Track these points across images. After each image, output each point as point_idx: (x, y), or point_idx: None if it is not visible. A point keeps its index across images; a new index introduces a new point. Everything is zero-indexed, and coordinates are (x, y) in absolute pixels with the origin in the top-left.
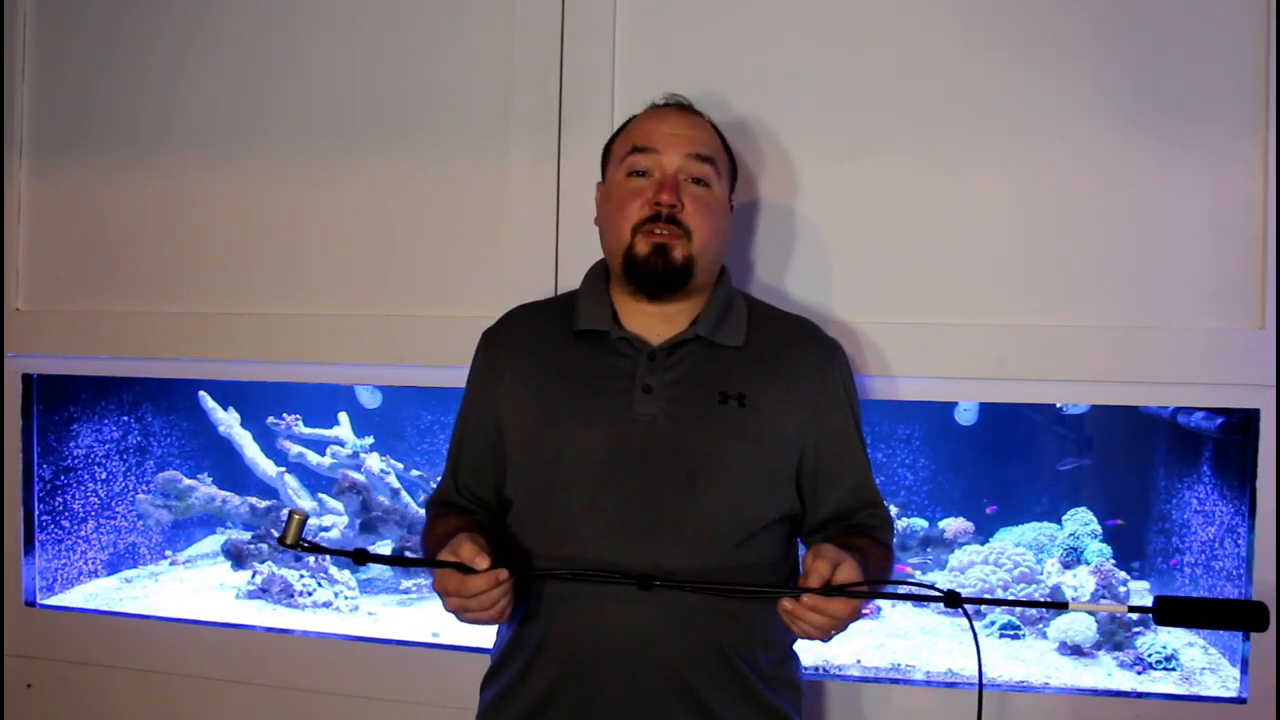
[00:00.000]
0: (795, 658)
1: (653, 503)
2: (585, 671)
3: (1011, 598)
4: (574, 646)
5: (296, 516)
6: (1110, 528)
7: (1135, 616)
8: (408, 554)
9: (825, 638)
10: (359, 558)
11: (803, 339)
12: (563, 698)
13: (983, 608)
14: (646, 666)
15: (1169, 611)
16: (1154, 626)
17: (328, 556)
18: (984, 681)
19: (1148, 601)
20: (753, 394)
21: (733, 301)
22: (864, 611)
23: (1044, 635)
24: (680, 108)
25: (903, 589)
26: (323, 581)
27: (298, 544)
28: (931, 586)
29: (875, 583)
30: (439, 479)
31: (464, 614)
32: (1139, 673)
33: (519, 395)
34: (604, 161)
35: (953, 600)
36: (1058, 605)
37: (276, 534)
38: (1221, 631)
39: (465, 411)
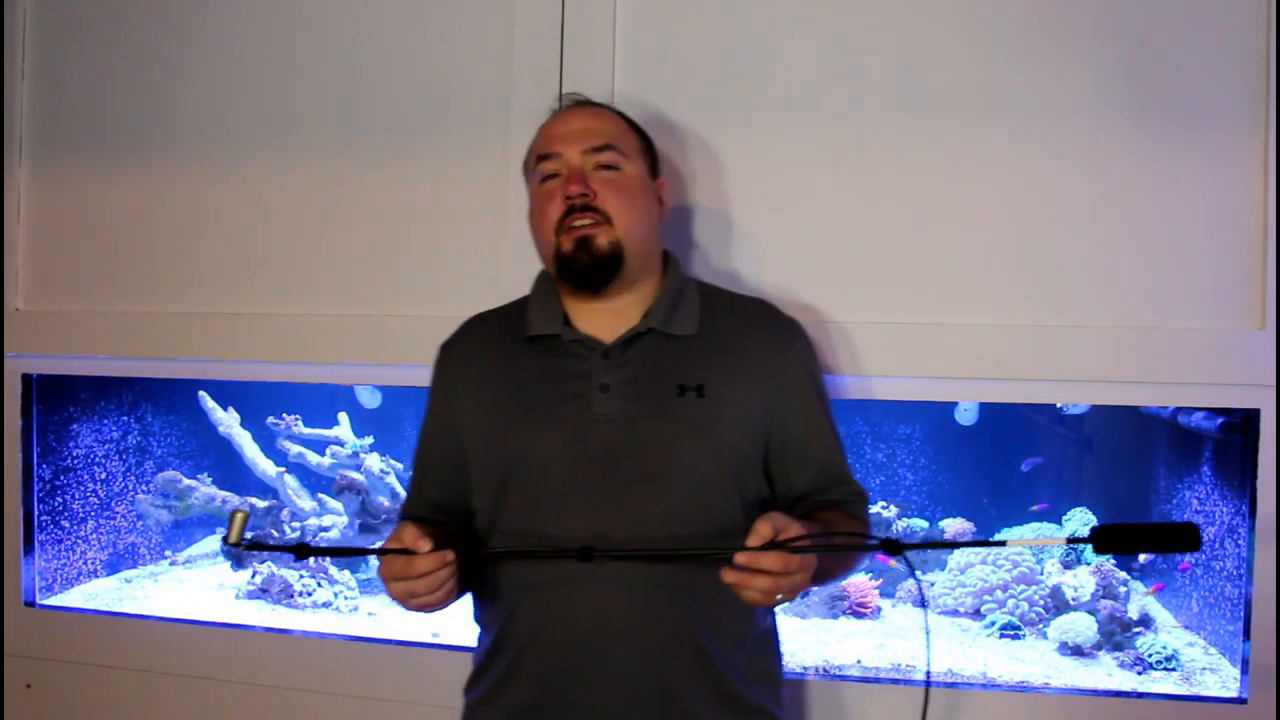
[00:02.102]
0: (775, 652)
1: (619, 502)
2: (565, 676)
3: (951, 540)
4: (552, 651)
5: (239, 515)
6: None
7: (1136, 616)
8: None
9: (773, 602)
10: (301, 551)
11: (759, 321)
12: (545, 702)
13: (983, 608)
14: (626, 668)
15: (1106, 540)
16: (1154, 626)
17: (328, 557)
18: (986, 682)
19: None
20: (711, 383)
21: (684, 289)
22: (863, 603)
23: (1044, 635)
24: (578, 105)
25: (839, 540)
26: (322, 581)
27: (240, 543)
28: (869, 536)
29: (809, 536)
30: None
31: (410, 600)
32: (1139, 673)
33: (477, 406)
34: (526, 178)
35: (892, 548)
36: (996, 544)
37: (277, 534)
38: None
39: (427, 426)
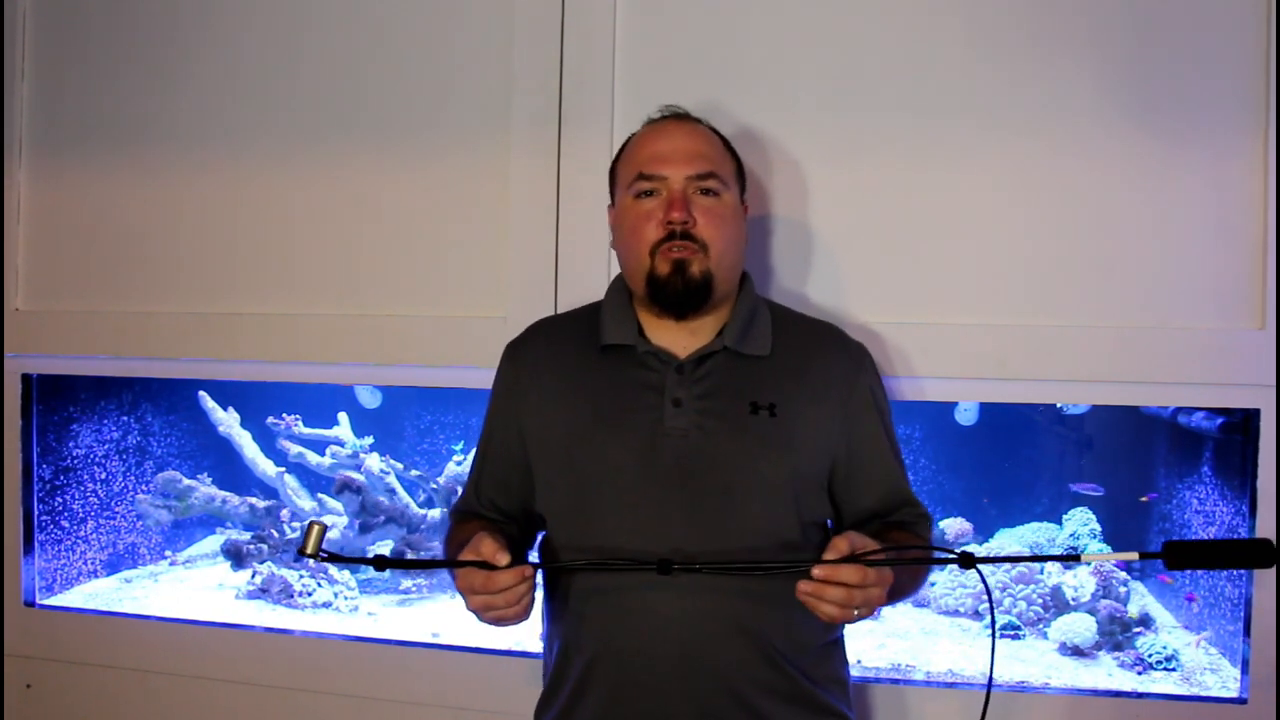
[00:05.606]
0: (843, 656)
1: (688, 517)
2: (638, 689)
3: (1026, 555)
4: (625, 663)
5: (317, 527)
6: (1108, 530)
7: (1137, 615)
8: (409, 554)
9: (849, 617)
10: (379, 564)
11: (828, 346)
12: (618, 715)
13: (982, 608)
14: (698, 680)
15: (1179, 555)
16: (1154, 626)
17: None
18: (985, 682)
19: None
20: (782, 403)
21: (756, 310)
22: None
23: (1044, 636)
24: (678, 119)
25: (915, 553)
26: (322, 582)
27: (317, 554)
28: (944, 549)
29: (885, 549)
30: (460, 488)
31: (487, 612)
32: (1139, 673)
33: (547, 413)
34: (610, 183)
35: (966, 561)
36: (1071, 558)
37: (277, 534)
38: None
39: (490, 425)
